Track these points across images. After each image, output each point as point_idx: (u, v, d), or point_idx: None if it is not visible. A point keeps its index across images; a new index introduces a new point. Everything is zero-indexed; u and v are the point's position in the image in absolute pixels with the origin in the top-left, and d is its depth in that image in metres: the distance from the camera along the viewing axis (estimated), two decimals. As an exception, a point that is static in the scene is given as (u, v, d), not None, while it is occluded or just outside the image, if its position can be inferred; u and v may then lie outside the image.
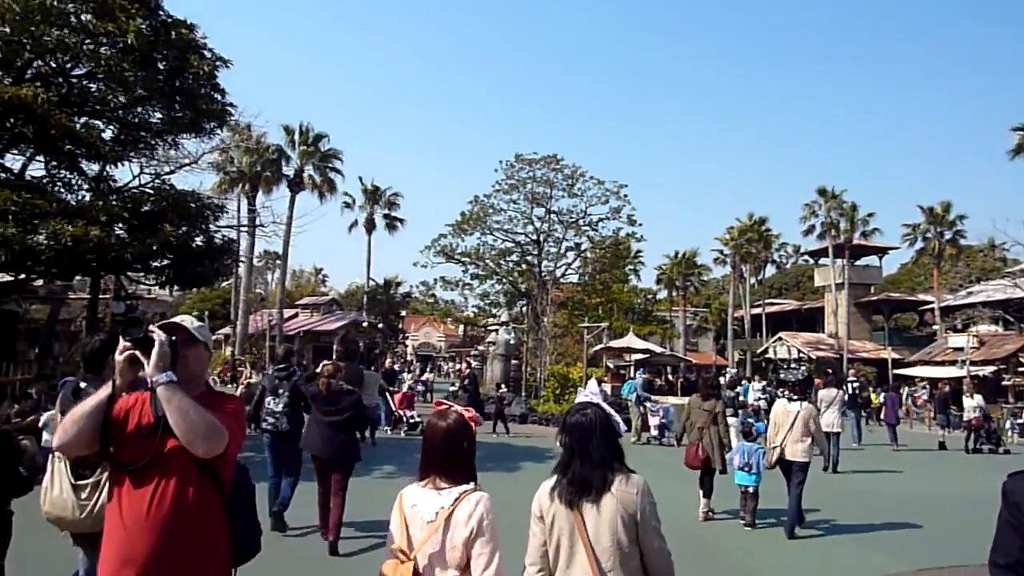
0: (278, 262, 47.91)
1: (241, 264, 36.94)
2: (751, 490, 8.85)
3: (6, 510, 4.12)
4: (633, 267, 43.94)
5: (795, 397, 8.99)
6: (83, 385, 4.05)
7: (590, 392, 3.18)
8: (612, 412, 3.06)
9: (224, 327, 42.51)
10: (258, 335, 37.39)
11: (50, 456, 3.81)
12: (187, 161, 19.00)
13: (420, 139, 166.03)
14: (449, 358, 55.90)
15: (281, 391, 8.00)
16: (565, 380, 31.35)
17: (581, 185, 32.11)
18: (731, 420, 13.39)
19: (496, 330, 32.06)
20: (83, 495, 3.72)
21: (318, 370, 8.12)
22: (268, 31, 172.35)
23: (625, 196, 32.18)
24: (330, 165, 37.95)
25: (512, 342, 29.58)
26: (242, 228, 20.07)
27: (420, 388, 29.16)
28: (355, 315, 44.86)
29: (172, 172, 18.51)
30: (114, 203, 14.54)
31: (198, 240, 15.99)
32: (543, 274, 31.82)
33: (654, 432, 18.76)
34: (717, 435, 9.04)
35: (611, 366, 32.03)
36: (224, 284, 44.56)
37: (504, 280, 32.52)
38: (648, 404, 19.62)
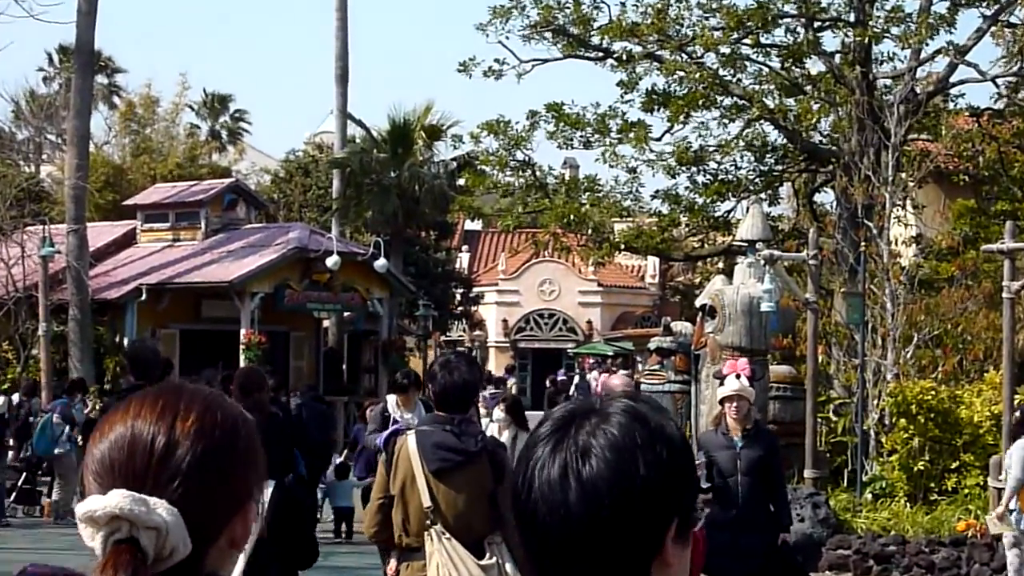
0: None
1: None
2: None
3: None
4: None
5: None
6: (405, 416, 5.07)
7: None
8: None
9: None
10: (12, 302, 16.41)
11: (438, 537, 4.09)
12: None
13: None
14: (614, 356, 24.32)
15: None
16: (944, 422, 11.25)
17: None
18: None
19: (721, 270, 12.04)
20: None
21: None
22: None
23: None
24: None
25: (773, 305, 9.92)
26: None
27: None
28: (299, 231, 18.80)
29: None
30: None
31: None
32: (877, 92, 11.94)
33: None
34: None
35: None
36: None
37: (752, 109, 12.37)
38: None
